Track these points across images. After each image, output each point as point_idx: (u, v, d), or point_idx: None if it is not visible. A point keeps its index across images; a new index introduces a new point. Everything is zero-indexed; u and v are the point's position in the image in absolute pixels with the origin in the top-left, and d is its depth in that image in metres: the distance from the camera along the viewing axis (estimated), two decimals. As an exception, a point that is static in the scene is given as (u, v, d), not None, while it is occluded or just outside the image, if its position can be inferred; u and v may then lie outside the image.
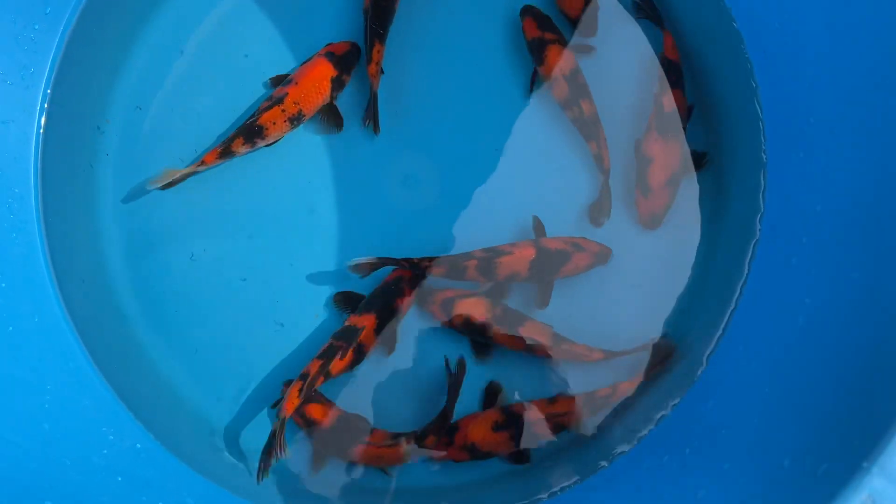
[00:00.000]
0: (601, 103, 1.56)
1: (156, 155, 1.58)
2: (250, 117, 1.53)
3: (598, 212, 1.56)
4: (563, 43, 1.59)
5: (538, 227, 1.54)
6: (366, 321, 1.46)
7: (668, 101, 1.55)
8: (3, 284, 1.44)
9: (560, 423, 1.47)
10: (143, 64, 1.61)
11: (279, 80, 1.58)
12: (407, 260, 1.48)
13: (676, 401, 1.47)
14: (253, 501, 1.46)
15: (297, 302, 1.55)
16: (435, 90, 1.62)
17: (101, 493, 1.28)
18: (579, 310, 1.54)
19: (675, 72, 1.58)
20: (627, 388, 1.50)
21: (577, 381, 1.52)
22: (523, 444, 1.47)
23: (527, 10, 1.61)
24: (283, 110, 1.52)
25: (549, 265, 1.49)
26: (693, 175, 1.57)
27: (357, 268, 1.47)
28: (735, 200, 1.56)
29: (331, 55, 1.57)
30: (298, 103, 1.53)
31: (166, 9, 1.62)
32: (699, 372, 1.49)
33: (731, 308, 1.51)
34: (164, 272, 1.56)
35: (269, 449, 1.38)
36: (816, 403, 1.17)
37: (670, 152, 1.54)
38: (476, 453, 1.45)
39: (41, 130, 1.57)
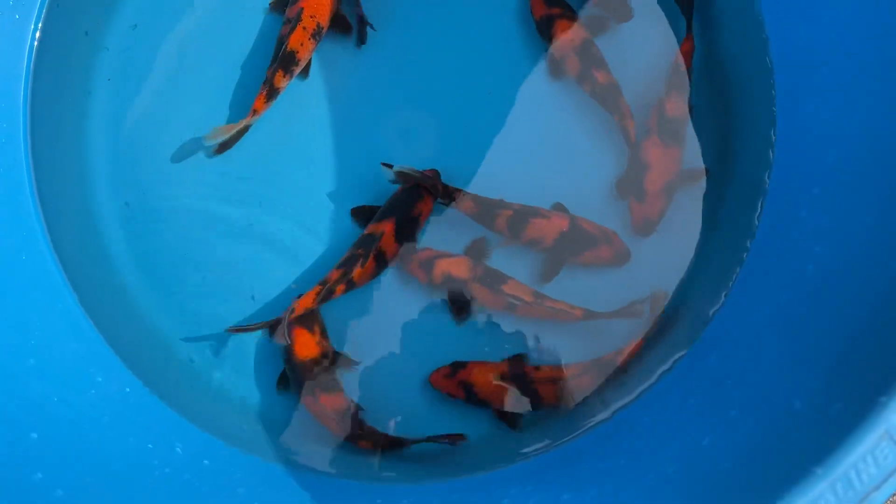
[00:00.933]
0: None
1: (151, 81, 1.55)
2: (278, 47, 1.50)
3: (626, 186, 1.50)
4: (572, 17, 1.54)
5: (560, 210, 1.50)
6: (384, 227, 1.43)
7: (672, 106, 1.49)
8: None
9: (560, 392, 1.44)
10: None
11: (280, 3, 1.56)
12: (444, 186, 1.47)
13: (681, 354, 1.44)
14: (243, 448, 1.42)
15: (293, 254, 1.52)
16: (438, 45, 1.59)
17: (88, 429, 1.25)
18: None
19: (681, 76, 1.51)
20: (632, 350, 1.47)
21: (579, 349, 1.48)
22: (516, 407, 1.44)
23: None
24: (305, 28, 1.50)
25: (576, 245, 1.46)
26: (691, 185, 1.51)
27: (397, 175, 1.46)
28: (743, 156, 1.53)
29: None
30: (315, 16, 1.51)
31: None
32: (704, 328, 1.46)
33: (739, 265, 1.48)
34: (157, 216, 1.53)
35: (265, 324, 1.43)
36: (828, 346, 1.14)
37: (670, 158, 1.48)
38: (471, 396, 1.42)
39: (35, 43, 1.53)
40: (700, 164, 1.52)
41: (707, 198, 1.53)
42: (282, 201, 1.53)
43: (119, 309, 1.50)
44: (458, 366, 1.43)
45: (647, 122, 1.50)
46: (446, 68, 1.58)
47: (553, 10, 1.54)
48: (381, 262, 1.45)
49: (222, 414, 1.46)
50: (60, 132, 1.54)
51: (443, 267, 1.45)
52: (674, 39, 1.56)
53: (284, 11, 1.56)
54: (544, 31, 1.55)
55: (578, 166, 1.54)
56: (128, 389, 1.42)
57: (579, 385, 1.44)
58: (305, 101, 1.56)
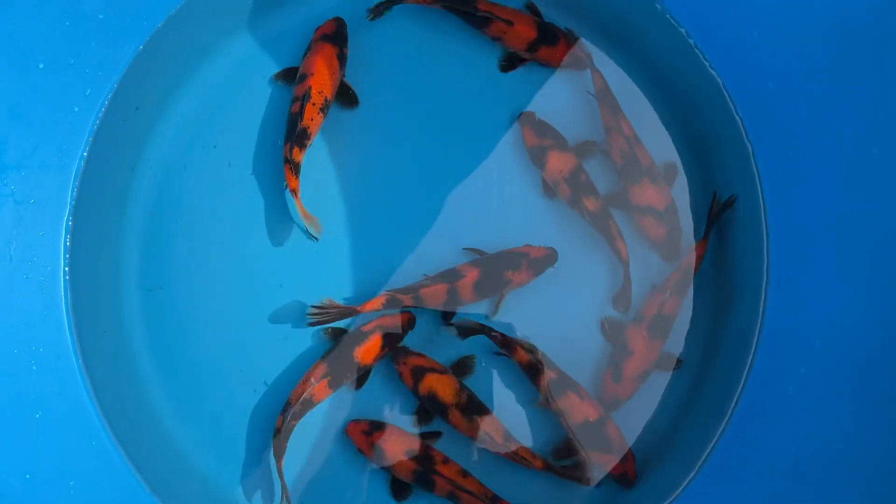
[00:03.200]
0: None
1: (176, 229, 1.64)
2: (291, 124, 1.58)
3: (621, 302, 1.63)
4: (562, 146, 1.64)
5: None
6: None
7: (671, 304, 1.60)
8: (34, 367, 1.49)
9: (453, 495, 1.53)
10: (164, 146, 1.66)
11: (286, 74, 1.66)
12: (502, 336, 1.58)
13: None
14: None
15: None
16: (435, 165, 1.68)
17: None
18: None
19: (687, 280, 1.62)
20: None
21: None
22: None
23: (524, 119, 1.66)
24: (314, 104, 1.58)
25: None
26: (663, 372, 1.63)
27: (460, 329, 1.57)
28: (728, 344, 1.65)
29: (326, 37, 1.63)
30: (323, 91, 1.59)
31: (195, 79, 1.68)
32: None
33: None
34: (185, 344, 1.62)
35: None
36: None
37: (652, 350, 1.59)
38: (377, 458, 1.53)
39: (72, 208, 1.61)
40: (676, 352, 1.64)
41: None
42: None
43: (150, 440, 1.59)
44: (375, 426, 1.55)
45: (642, 309, 1.61)
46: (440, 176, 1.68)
47: (544, 141, 1.64)
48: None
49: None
50: (96, 270, 1.62)
51: (430, 383, 1.54)
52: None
53: (290, 84, 1.64)
54: (536, 158, 1.65)
55: (573, 282, 1.64)
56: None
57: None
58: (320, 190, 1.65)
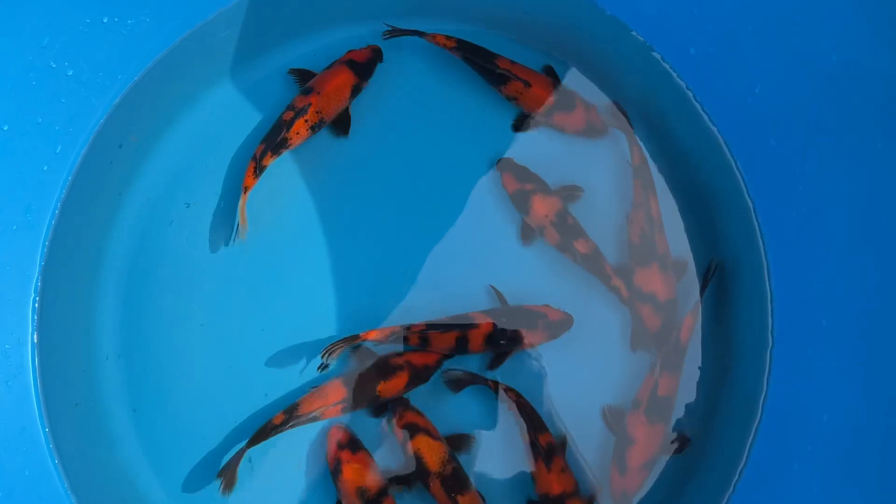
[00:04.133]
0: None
1: (156, 287, 1.57)
2: (275, 129, 1.54)
3: (639, 342, 1.57)
4: (545, 189, 1.58)
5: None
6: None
7: (664, 385, 1.52)
8: None
9: None
10: (140, 202, 1.59)
11: (301, 75, 1.61)
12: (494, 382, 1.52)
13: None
14: None
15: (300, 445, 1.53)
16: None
17: None
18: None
19: (679, 355, 1.55)
20: None
21: None
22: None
23: (504, 165, 1.60)
24: (307, 120, 1.55)
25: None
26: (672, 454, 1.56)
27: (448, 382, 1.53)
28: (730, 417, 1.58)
29: (352, 63, 1.58)
30: (321, 112, 1.55)
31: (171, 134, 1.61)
32: None
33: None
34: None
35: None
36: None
37: (654, 436, 1.52)
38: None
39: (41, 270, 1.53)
40: (684, 432, 1.56)
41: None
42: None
43: None
44: (352, 444, 1.48)
45: (639, 395, 1.54)
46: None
47: (526, 185, 1.58)
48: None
49: None
50: (67, 330, 1.54)
51: (419, 445, 1.47)
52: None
53: (299, 82, 1.59)
54: (519, 204, 1.59)
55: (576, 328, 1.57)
56: None
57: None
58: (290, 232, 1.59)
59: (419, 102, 1.65)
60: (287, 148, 1.55)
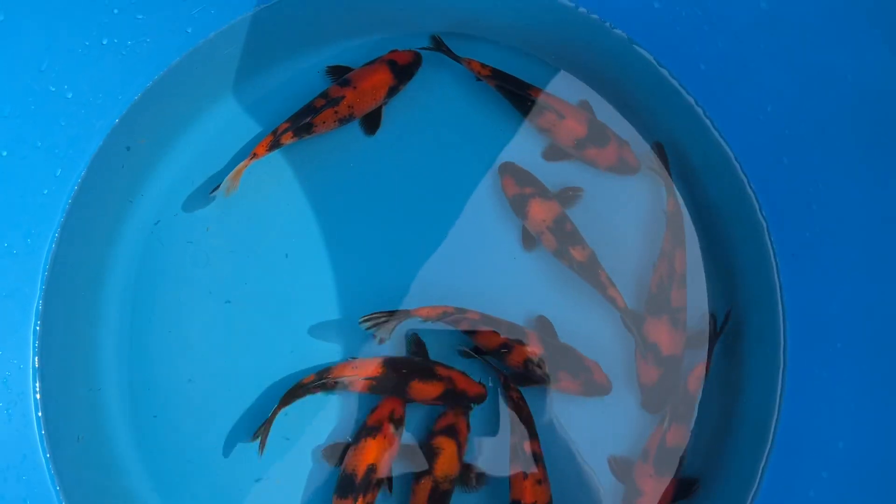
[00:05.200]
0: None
1: (158, 310, 1.54)
2: (303, 112, 1.53)
3: (640, 352, 1.53)
4: (545, 195, 1.55)
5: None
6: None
7: (674, 435, 1.49)
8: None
9: None
10: (140, 225, 1.57)
11: (338, 72, 1.59)
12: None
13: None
14: None
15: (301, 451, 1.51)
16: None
17: None
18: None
19: (688, 406, 1.52)
20: None
21: None
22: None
23: (504, 169, 1.58)
24: (336, 111, 1.53)
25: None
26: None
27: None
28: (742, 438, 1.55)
29: (393, 64, 1.56)
30: (352, 107, 1.54)
31: (167, 161, 1.58)
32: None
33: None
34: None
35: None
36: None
37: (661, 487, 1.48)
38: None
39: (41, 299, 1.51)
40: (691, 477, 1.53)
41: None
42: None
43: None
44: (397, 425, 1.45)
45: (647, 446, 1.51)
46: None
47: (525, 190, 1.55)
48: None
49: None
50: (69, 358, 1.52)
51: (438, 444, 1.44)
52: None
53: (331, 79, 1.58)
54: (517, 208, 1.56)
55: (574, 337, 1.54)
56: None
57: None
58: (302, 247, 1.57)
59: (425, 107, 1.62)
60: (309, 133, 1.53)
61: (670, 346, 1.52)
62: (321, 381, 1.45)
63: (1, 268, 1.44)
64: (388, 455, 1.44)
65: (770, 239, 1.55)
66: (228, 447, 1.50)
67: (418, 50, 1.59)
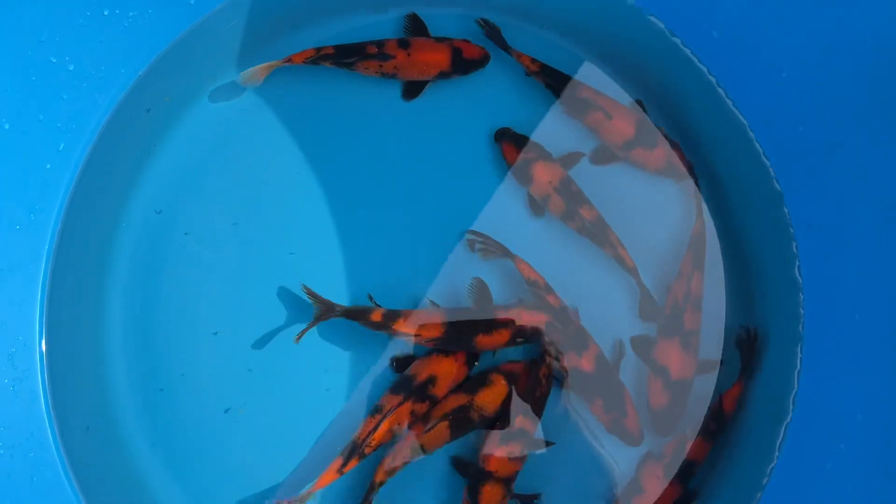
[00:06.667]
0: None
1: (163, 286, 1.53)
2: (353, 48, 1.51)
3: (647, 313, 1.52)
4: (547, 157, 1.53)
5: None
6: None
7: (695, 450, 1.48)
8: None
9: None
10: (152, 191, 1.54)
11: (415, 25, 1.56)
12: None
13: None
14: None
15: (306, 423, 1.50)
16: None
17: None
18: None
19: (720, 424, 1.50)
20: None
21: None
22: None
23: (502, 135, 1.54)
24: (382, 66, 1.52)
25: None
26: None
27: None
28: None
29: (458, 52, 1.53)
30: (398, 70, 1.53)
31: (174, 133, 1.56)
32: None
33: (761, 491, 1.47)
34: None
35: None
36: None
37: (664, 492, 1.47)
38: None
39: (49, 274, 1.49)
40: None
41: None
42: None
43: None
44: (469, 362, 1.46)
45: (665, 449, 1.49)
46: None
47: (528, 154, 1.52)
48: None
49: None
50: (75, 336, 1.51)
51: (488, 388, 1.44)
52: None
53: (408, 27, 1.56)
54: (520, 174, 1.53)
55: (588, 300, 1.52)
56: None
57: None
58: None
59: (471, 96, 1.59)
60: (346, 67, 1.52)
61: (680, 369, 1.48)
62: (390, 320, 1.43)
63: (5, 242, 1.42)
64: (451, 378, 1.43)
65: (786, 209, 1.52)
66: (237, 421, 1.50)
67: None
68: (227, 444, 1.50)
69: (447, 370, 1.43)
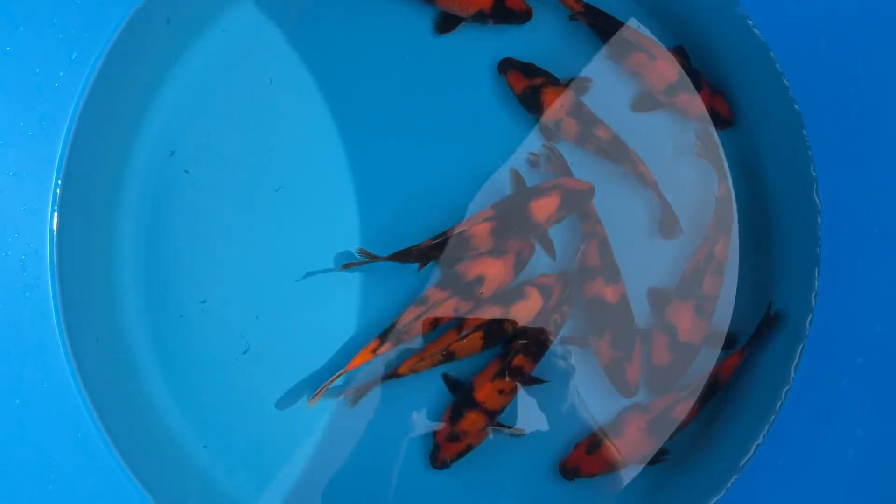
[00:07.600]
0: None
1: (175, 205, 1.52)
2: None
3: (668, 227, 1.50)
4: (556, 83, 1.51)
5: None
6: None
7: (679, 410, 1.45)
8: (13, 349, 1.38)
9: None
10: (167, 109, 1.53)
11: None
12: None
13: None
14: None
15: (314, 362, 1.49)
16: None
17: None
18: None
19: (712, 391, 1.47)
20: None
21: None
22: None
23: (506, 64, 1.52)
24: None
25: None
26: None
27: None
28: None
29: (500, 2, 1.50)
30: (465, 8, 1.50)
31: (192, 51, 1.54)
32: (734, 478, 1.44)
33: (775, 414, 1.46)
34: (181, 328, 1.50)
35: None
36: None
37: (641, 442, 1.45)
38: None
39: (60, 182, 1.48)
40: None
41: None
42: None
43: (141, 432, 1.48)
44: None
45: (650, 404, 1.47)
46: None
47: (535, 80, 1.50)
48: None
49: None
50: (86, 248, 1.50)
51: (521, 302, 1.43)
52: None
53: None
54: (529, 102, 1.50)
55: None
56: None
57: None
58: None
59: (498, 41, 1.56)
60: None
61: (688, 332, 1.46)
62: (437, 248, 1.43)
63: (16, 148, 1.42)
64: (498, 280, 1.42)
65: (805, 131, 1.49)
66: (243, 335, 1.50)
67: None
68: (238, 375, 1.49)
69: (496, 271, 1.42)
